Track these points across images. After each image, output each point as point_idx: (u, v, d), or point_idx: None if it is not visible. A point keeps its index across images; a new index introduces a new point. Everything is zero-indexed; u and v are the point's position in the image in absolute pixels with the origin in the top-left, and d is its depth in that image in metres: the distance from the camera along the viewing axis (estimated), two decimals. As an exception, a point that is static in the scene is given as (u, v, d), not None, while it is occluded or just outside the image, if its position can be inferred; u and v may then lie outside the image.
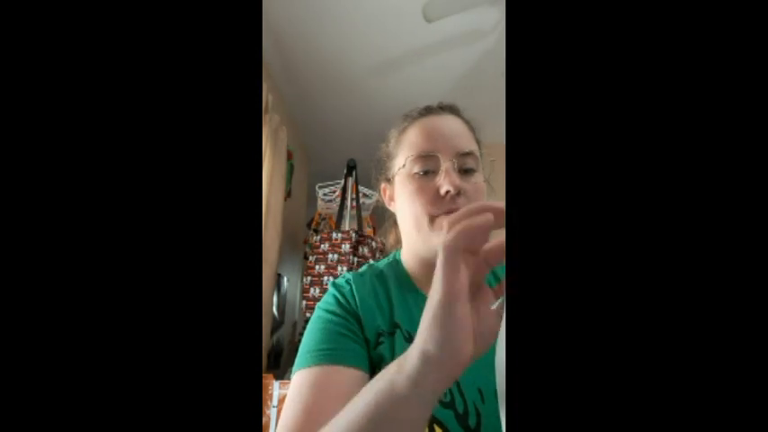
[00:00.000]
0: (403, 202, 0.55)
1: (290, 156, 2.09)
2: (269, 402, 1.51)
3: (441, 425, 0.44)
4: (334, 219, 2.11)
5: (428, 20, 1.55)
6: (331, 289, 0.56)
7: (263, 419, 1.48)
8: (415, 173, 0.53)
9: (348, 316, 0.51)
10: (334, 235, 1.87)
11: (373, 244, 1.88)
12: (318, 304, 0.54)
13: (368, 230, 2.07)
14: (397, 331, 0.51)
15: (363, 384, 0.46)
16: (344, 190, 2.13)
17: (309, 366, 0.46)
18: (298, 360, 0.48)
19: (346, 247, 1.82)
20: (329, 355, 0.46)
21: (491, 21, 1.71)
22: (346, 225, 2.07)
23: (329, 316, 0.51)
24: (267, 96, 1.71)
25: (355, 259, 1.84)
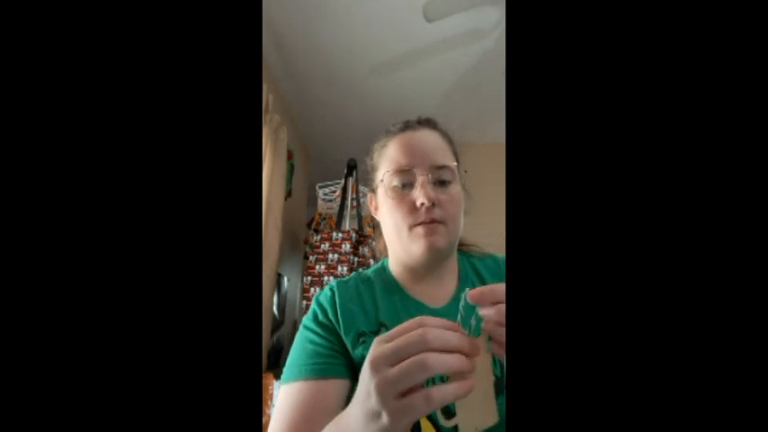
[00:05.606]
0: (384, 213, 0.59)
1: (290, 156, 2.09)
2: (269, 402, 1.51)
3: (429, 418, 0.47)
4: (335, 219, 2.11)
5: (428, 20, 1.55)
6: (313, 303, 0.60)
7: (263, 419, 1.48)
8: (394, 186, 0.57)
9: (326, 331, 0.55)
10: (334, 235, 1.87)
11: (373, 244, 1.88)
12: (304, 317, 0.59)
13: (368, 230, 2.07)
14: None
15: (345, 392, 0.51)
16: (345, 190, 2.13)
17: (295, 381, 0.51)
18: (285, 372, 0.53)
19: (347, 246, 1.82)
20: (311, 369, 0.51)
21: (491, 21, 1.71)
22: (346, 225, 2.07)
23: (309, 333, 0.56)
24: (267, 96, 1.71)
25: (356, 259, 1.84)
